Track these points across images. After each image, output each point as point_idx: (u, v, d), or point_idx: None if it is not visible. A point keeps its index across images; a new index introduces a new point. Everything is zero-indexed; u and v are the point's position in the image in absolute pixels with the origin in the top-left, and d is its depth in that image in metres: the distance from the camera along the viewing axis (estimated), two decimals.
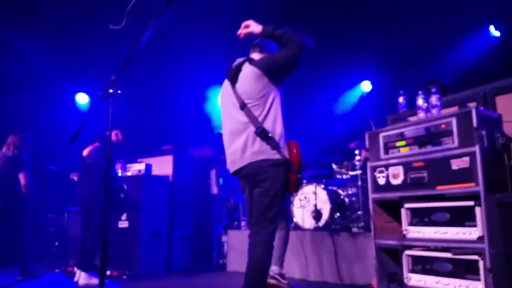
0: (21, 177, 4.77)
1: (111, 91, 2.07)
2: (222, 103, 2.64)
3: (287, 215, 3.73)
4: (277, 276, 3.37)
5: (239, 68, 2.52)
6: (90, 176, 4.64)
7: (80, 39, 6.18)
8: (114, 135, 4.83)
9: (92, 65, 6.38)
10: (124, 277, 4.77)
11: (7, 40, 6.05)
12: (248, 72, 2.45)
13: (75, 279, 4.52)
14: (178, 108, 7.31)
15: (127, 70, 2.15)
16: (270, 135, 2.36)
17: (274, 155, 2.35)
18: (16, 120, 6.23)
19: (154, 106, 7.39)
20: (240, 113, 2.44)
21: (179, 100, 7.29)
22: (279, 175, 2.37)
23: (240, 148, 2.42)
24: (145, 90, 7.11)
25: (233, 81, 2.51)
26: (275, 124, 2.41)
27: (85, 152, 4.66)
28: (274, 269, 3.36)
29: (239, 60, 2.56)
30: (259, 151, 2.37)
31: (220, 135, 6.80)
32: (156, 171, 5.52)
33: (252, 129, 2.39)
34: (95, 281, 4.26)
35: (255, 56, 2.60)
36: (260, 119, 2.39)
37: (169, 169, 5.63)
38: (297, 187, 2.56)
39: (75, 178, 5.33)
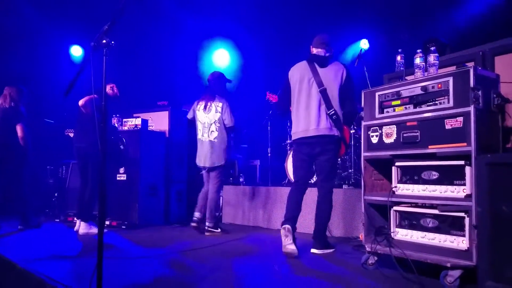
0: (19, 129, 4.71)
1: (104, 41, 2.00)
2: (299, 77, 3.32)
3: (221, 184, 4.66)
4: (210, 229, 4.39)
5: (327, 60, 3.32)
6: (87, 128, 4.59)
7: None
8: (110, 89, 4.71)
9: (87, 18, 6.14)
10: (123, 227, 4.87)
11: None
12: (334, 70, 3.29)
13: (75, 228, 4.61)
14: (173, 64, 7.13)
15: (122, 23, 2.08)
16: (339, 117, 3.24)
17: (337, 133, 3.25)
18: (11, 73, 6.05)
19: (149, 62, 7.21)
20: (318, 95, 3.23)
21: (174, 56, 7.10)
22: (338, 147, 3.31)
23: (314, 121, 3.22)
24: (141, 46, 6.90)
25: (322, 65, 3.29)
26: (339, 109, 3.25)
27: (81, 102, 4.58)
28: (207, 223, 4.38)
29: (323, 52, 3.34)
30: (330, 127, 3.23)
31: None
32: (152, 126, 5.46)
33: (325, 109, 3.21)
34: (94, 230, 4.34)
35: (324, 50, 3.36)
36: (333, 103, 3.22)
37: (165, 125, 5.57)
38: (345, 153, 3.82)
39: (71, 135, 5.28)
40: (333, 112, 3.20)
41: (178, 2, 6.48)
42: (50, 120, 6.72)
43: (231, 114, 4.44)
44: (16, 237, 4.24)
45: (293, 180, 3.63)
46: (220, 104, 4.44)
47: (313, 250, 3.30)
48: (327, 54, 3.35)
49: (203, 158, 4.47)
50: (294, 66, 3.43)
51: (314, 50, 3.37)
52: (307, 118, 3.26)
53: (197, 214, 4.52)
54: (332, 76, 3.25)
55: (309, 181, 3.55)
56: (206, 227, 4.40)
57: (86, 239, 4.15)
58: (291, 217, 3.26)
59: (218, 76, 4.59)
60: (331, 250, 3.33)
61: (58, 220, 5.62)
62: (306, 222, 4.38)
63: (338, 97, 3.24)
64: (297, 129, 3.34)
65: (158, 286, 2.39)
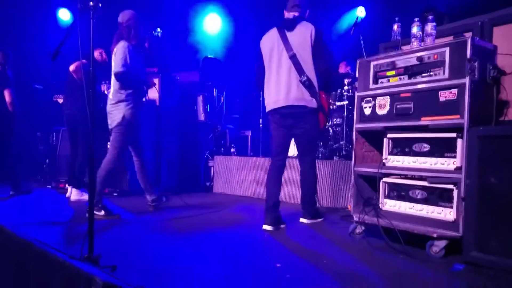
0: (6, 94, 4.55)
1: (91, 3, 1.92)
2: (269, 46, 3.07)
3: (142, 150, 3.77)
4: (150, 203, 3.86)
5: (294, 22, 3.01)
6: (77, 95, 4.46)
7: None
8: (98, 54, 4.54)
9: None
10: (115, 194, 4.84)
11: None
12: (302, 31, 2.98)
13: (67, 195, 4.57)
14: (163, 29, 6.85)
15: None
16: (312, 84, 2.95)
17: (312, 103, 2.98)
18: None
19: None
20: (288, 61, 2.97)
21: (164, 21, 6.81)
22: (314, 118, 3.05)
23: (284, 90, 2.97)
24: (128, 7, 6.59)
25: (290, 29, 3.00)
26: (313, 74, 2.97)
27: (72, 67, 4.43)
28: (147, 198, 3.85)
29: (292, 15, 3.07)
30: (302, 96, 2.95)
31: (208, 60, 6.49)
32: None
33: (296, 76, 2.95)
34: (86, 197, 4.29)
35: (295, 13, 3.08)
36: (305, 68, 2.94)
37: (155, 93, 5.41)
38: (325, 124, 3.31)
39: (60, 101, 5.12)
40: (305, 78, 2.92)
41: None
42: (38, 86, 6.52)
43: (122, 58, 3.41)
44: (6, 203, 4.19)
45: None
46: (115, 50, 3.51)
47: (301, 220, 3.28)
48: (296, 15, 3.06)
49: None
50: (265, 35, 3.17)
51: (286, 14, 3.12)
52: (277, 88, 3.03)
53: None
54: (300, 38, 2.96)
55: (286, 158, 3.21)
56: None
57: (77, 205, 4.12)
58: (272, 206, 3.03)
59: (129, 18, 3.55)
60: (320, 220, 3.31)
61: (49, 186, 5.56)
62: (296, 192, 4.38)
63: (311, 61, 2.96)
64: (268, 100, 3.11)
65: (149, 250, 2.38)
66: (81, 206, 4.02)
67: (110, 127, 3.56)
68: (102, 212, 3.41)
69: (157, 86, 5.38)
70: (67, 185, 4.87)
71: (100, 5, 1.95)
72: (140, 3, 6.52)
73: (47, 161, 5.97)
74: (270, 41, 3.09)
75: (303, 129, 3.04)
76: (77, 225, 3.11)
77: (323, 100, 3.06)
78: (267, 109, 3.14)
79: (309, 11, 3.18)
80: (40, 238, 2.29)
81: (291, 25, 3.02)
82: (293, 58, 2.95)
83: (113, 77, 3.54)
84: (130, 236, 2.84)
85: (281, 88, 2.99)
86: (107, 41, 3.72)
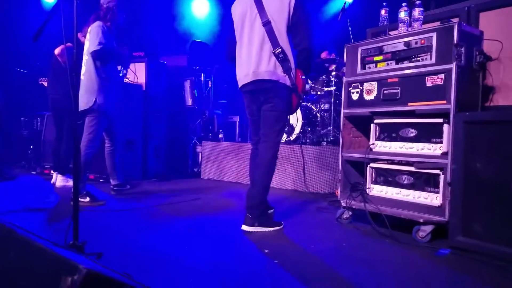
0: None
1: None
2: (241, 12, 2.61)
3: (97, 132, 3.46)
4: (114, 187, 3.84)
5: None
6: (61, 79, 4.31)
7: None
8: (82, 37, 4.36)
9: None
10: (101, 180, 4.73)
11: None
12: None
13: (52, 181, 4.45)
14: (149, 13, 6.64)
15: None
16: (287, 58, 2.48)
17: (285, 79, 2.51)
18: None
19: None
20: (261, 30, 2.50)
21: (150, 4, 6.60)
22: (286, 96, 2.55)
23: (254, 63, 2.51)
24: None
25: None
26: (288, 47, 2.51)
27: (57, 51, 4.27)
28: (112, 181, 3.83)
29: None
30: (274, 70, 2.49)
31: (196, 44, 6.32)
32: (127, 79, 5.14)
33: (270, 48, 2.48)
34: (71, 183, 4.18)
35: None
36: (279, 39, 2.47)
37: (142, 78, 5.26)
38: (297, 108, 2.77)
39: (45, 84, 4.94)
40: (280, 50, 2.44)
41: None
42: (22, 70, 6.27)
43: (97, 37, 3.32)
44: None
45: None
46: (89, 29, 3.43)
47: (243, 227, 2.51)
48: None
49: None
50: (236, 0, 2.71)
51: None
52: (247, 60, 2.55)
53: None
54: (277, 5, 2.48)
55: None
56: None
57: (63, 191, 4.01)
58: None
59: (110, 1, 3.51)
60: (273, 229, 2.53)
61: (34, 172, 5.41)
62: (285, 178, 4.36)
63: (285, 32, 2.49)
64: (239, 74, 2.64)
65: (136, 237, 2.32)
66: (66, 192, 3.91)
67: (80, 109, 3.33)
68: (87, 199, 3.33)
69: (143, 70, 5.25)
70: (52, 171, 4.75)
71: None
72: None
73: (31, 146, 5.79)
74: (242, 7, 2.61)
75: (271, 104, 2.52)
76: (62, 212, 3.02)
77: (299, 79, 2.57)
78: (239, 85, 2.66)
79: None
80: (24, 225, 2.20)
81: None
82: (267, 25, 2.47)
83: (86, 58, 3.43)
84: (116, 223, 2.77)
85: (251, 60, 2.52)
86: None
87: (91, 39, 3.37)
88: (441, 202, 2.23)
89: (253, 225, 2.49)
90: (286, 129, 4.68)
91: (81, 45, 4.13)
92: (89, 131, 3.41)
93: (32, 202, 3.43)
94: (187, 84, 5.66)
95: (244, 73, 2.58)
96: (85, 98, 3.38)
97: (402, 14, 2.63)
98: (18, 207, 3.15)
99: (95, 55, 3.34)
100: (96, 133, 3.46)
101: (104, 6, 3.47)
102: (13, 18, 6.29)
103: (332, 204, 3.39)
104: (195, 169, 5.63)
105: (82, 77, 3.44)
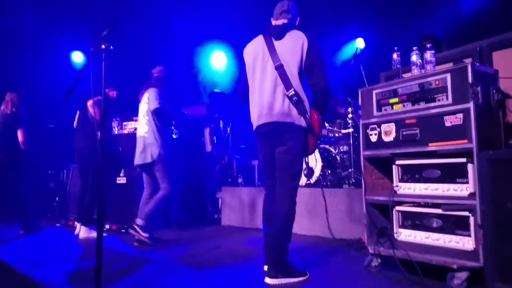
0: (19, 134, 4.61)
1: (103, 46, 2.01)
2: (253, 55, 2.64)
3: (169, 178, 3.93)
4: (137, 228, 3.77)
5: (284, 30, 2.57)
6: (88, 131, 4.47)
7: None
8: (111, 92, 4.62)
9: (88, 24, 6.03)
10: (123, 230, 4.72)
11: None
12: (292, 40, 2.52)
13: (76, 232, 4.48)
14: (172, 67, 6.99)
15: (119, 26, 2.12)
16: (301, 99, 2.45)
17: (300, 121, 2.46)
18: (13, 79, 5.93)
19: (149, 65, 7.08)
20: (273, 73, 2.50)
21: (172, 59, 6.96)
22: (301, 138, 2.49)
23: (267, 105, 2.49)
24: (138, 48, 6.77)
25: (279, 37, 2.56)
26: (301, 89, 2.49)
27: (90, 102, 4.45)
28: (138, 221, 3.80)
29: (281, 22, 2.63)
30: (289, 112, 2.45)
31: (214, 94, 6.54)
32: None
33: (283, 90, 2.46)
34: (94, 234, 4.20)
35: (284, 20, 2.64)
36: (292, 82, 2.45)
37: None
38: (315, 149, 2.70)
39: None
40: (293, 92, 2.41)
41: (174, 4, 6.35)
42: (50, 125, 6.58)
43: (156, 98, 3.88)
44: (17, 242, 4.11)
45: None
46: (147, 94, 3.98)
47: (267, 280, 2.40)
48: (286, 22, 2.61)
49: (136, 155, 3.97)
50: (249, 43, 2.71)
51: (273, 22, 2.68)
52: (260, 102, 2.53)
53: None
54: (290, 49, 2.48)
55: None
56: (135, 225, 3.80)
57: (86, 243, 4.02)
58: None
59: (160, 71, 4.12)
60: (298, 279, 2.43)
61: (59, 224, 5.47)
62: (307, 223, 4.25)
63: (298, 74, 2.48)
64: (253, 117, 2.62)
65: None
66: (89, 243, 3.92)
67: (142, 162, 3.87)
68: (146, 234, 3.75)
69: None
70: (75, 222, 4.80)
71: (111, 47, 2.03)
72: (147, 40, 6.72)
73: (57, 198, 5.92)
74: (254, 49, 2.62)
75: (286, 146, 2.45)
76: (85, 263, 3.01)
77: (314, 119, 2.50)
78: (253, 127, 2.64)
79: (299, 18, 2.74)
80: (49, 278, 2.20)
81: (279, 32, 2.55)
82: (280, 69, 2.47)
83: (146, 116, 3.93)
84: (140, 275, 2.72)
85: (264, 101, 2.51)
86: (119, 78, 3.96)
87: (150, 99, 3.90)
88: (474, 246, 2.11)
89: (276, 277, 2.38)
90: (305, 172, 4.64)
91: (110, 99, 4.51)
92: (162, 180, 3.89)
93: (57, 254, 3.45)
94: (207, 131, 5.79)
95: (257, 114, 2.57)
96: (152, 151, 3.85)
97: (414, 57, 2.68)
98: (44, 259, 3.17)
99: (156, 112, 3.87)
100: (168, 177, 3.92)
101: (155, 75, 4.06)
102: (45, 77, 6.70)
103: (359, 251, 3.24)
104: (215, 216, 5.57)
105: (145, 134, 3.91)
